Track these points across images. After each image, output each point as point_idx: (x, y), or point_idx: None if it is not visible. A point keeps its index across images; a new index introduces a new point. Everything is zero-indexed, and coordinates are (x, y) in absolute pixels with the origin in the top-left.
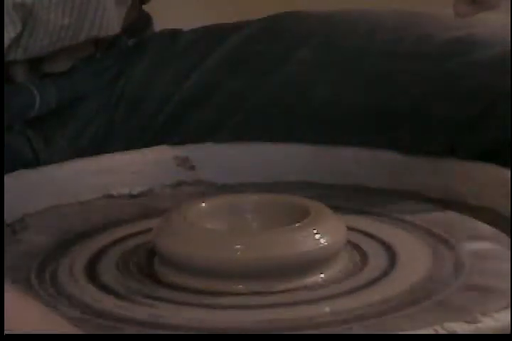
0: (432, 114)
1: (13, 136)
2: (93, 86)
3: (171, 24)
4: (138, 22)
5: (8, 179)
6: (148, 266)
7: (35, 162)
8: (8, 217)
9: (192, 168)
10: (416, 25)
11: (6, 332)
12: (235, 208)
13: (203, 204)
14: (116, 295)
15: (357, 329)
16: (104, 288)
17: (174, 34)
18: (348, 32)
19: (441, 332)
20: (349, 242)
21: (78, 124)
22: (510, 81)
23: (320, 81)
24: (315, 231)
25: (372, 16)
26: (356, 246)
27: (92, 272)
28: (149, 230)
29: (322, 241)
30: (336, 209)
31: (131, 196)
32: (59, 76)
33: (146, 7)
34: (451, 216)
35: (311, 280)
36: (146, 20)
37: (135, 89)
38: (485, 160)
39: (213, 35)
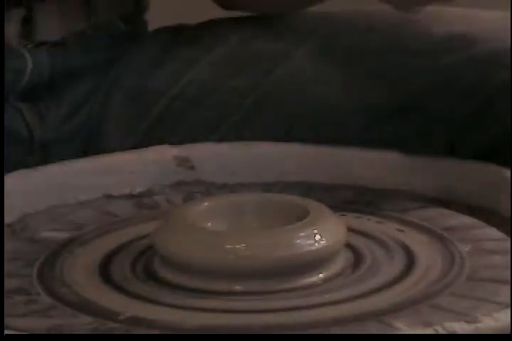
0: (431, 111)
1: (7, 112)
2: (85, 64)
3: (170, 20)
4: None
5: (8, 179)
6: (149, 267)
7: (29, 139)
8: (8, 217)
9: (192, 167)
10: (415, 22)
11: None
12: (235, 208)
13: (203, 204)
14: (119, 294)
15: (356, 329)
16: (108, 287)
17: (174, 31)
18: (348, 31)
19: (441, 332)
20: (348, 242)
21: (72, 103)
22: (511, 79)
23: (320, 80)
24: (315, 232)
25: (371, 14)
26: (355, 247)
27: (96, 272)
28: (149, 231)
29: (322, 241)
30: (336, 209)
31: (131, 196)
32: (51, 46)
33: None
34: (451, 216)
35: (310, 280)
36: (142, 8)
37: (134, 86)
38: (486, 158)
39: (213, 33)
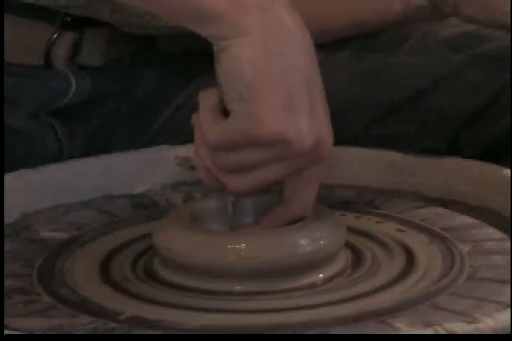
0: (436, 108)
1: (39, 125)
2: (115, 88)
3: None
4: None
5: (8, 179)
6: (149, 267)
7: (59, 154)
8: (8, 217)
9: (192, 168)
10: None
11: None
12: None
13: (203, 204)
14: (119, 294)
15: (356, 329)
16: (108, 287)
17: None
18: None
19: (441, 332)
20: (348, 242)
21: (101, 122)
22: (510, 79)
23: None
24: (315, 232)
25: None
26: (355, 247)
27: (96, 272)
28: (149, 231)
29: (322, 241)
30: (336, 209)
31: (131, 196)
32: (93, 70)
33: None
34: (451, 216)
35: (310, 280)
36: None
37: (141, 93)
38: (487, 157)
39: None
